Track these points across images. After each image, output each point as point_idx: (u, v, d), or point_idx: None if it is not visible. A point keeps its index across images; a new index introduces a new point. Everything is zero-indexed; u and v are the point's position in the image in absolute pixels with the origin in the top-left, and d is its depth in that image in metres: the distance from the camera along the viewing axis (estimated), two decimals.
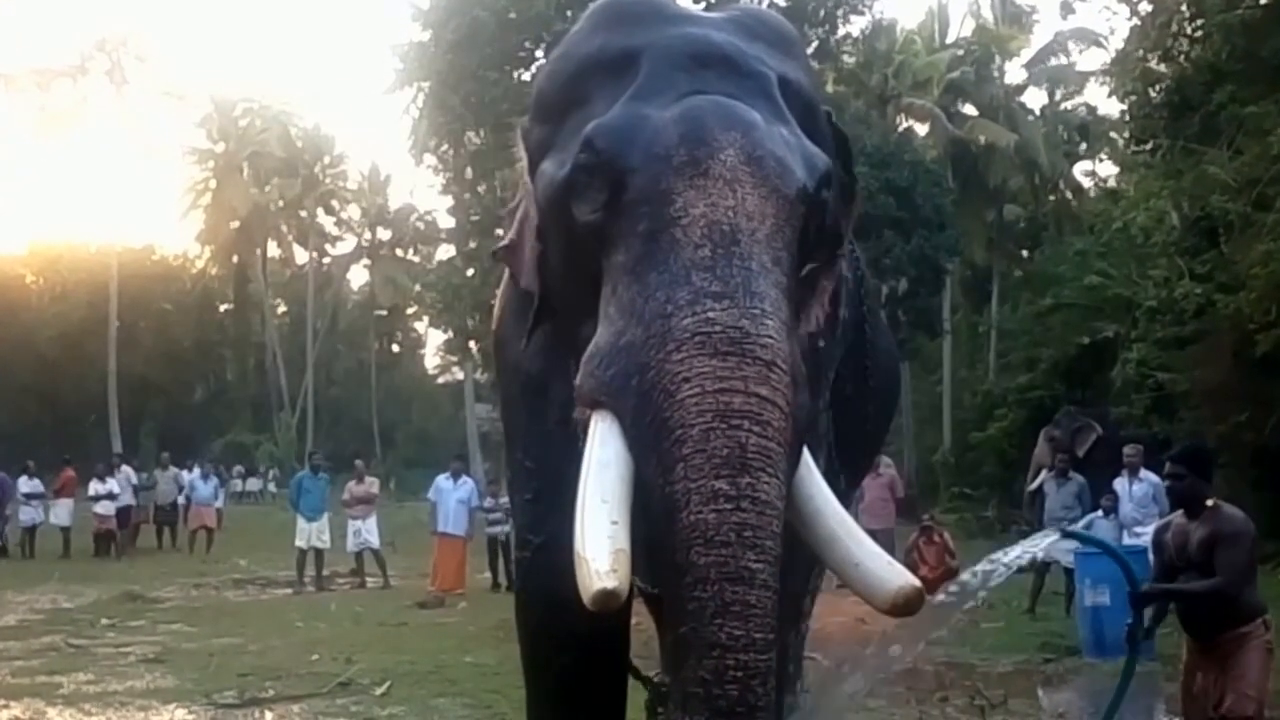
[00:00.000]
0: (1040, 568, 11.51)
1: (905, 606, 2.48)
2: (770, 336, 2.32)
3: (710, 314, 2.30)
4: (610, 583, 2.20)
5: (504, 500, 14.41)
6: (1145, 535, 10.39)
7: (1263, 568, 5.13)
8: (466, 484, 14.91)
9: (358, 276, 56.40)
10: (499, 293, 3.61)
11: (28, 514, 19.74)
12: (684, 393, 2.27)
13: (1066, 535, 4.02)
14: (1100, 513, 10.82)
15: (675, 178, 2.43)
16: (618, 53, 2.68)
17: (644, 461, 2.33)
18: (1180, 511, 4.97)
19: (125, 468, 20.64)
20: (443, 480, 14.67)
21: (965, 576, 3.92)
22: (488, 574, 14.55)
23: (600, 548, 2.26)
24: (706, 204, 2.40)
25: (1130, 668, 4.69)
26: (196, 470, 22.89)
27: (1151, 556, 5.22)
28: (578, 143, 2.57)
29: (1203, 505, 4.81)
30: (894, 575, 2.49)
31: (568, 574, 3.20)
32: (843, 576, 2.58)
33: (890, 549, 5.42)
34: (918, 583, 2.50)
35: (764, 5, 19.44)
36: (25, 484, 19.89)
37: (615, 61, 2.67)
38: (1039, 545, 3.94)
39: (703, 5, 12.31)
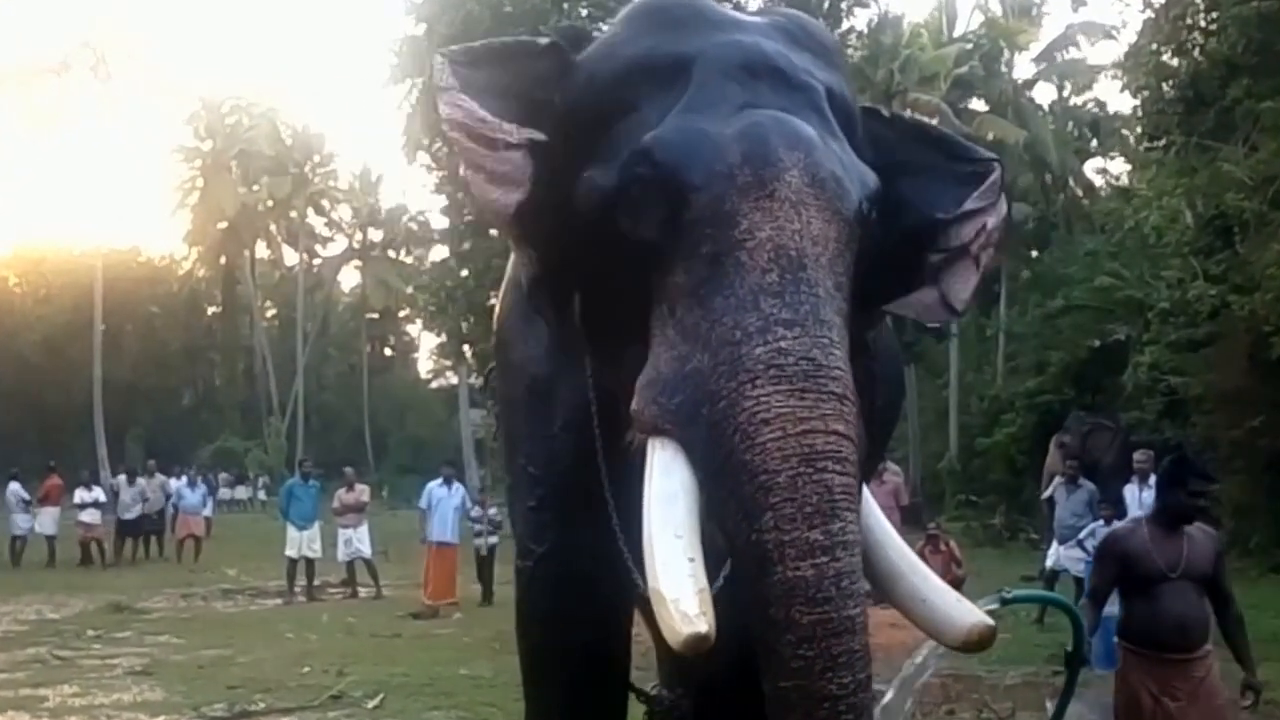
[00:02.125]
0: (1049, 577, 11.54)
1: (979, 644, 2.52)
2: (839, 368, 2.33)
3: (783, 343, 2.30)
4: (702, 626, 2.21)
5: (491, 511, 14.30)
6: None
7: None
8: (459, 490, 14.88)
9: (349, 278, 56.61)
10: (501, 291, 3.58)
11: (23, 522, 19.74)
12: (765, 435, 2.26)
13: (1006, 602, 4.02)
14: (1102, 522, 10.80)
15: (740, 198, 2.41)
16: (666, 59, 2.64)
17: (721, 502, 2.33)
18: (1141, 520, 4.89)
19: (140, 480, 20.56)
20: (437, 487, 14.58)
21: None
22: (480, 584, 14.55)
23: (685, 588, 2.26)
24: (773, 227, 2.38)
25: (1070, 690, 4.62)
26: (184, 477, 22.89)
27: (1095, 566, 5.04)
28: (627, 153, 2.54)
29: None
30: (965, 613, 2.52)
31: (571, 584, 3.20)
32: (908, 613, 2.59)
33: None
34: (991, 621, 2.52)
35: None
36: (17, 491, 19.89)
37: (664, 68, 2.63)
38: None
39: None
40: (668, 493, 2.37)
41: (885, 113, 3.10)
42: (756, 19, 2.85)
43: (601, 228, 2.59)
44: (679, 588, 2.26)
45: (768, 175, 2.42)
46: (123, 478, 20.91)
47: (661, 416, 2.41)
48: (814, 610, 2.21)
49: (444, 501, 14.36)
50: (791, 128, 2.50)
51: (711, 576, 2.35)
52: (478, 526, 14.41)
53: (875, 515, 2.59)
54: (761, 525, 2.24)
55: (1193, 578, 4.64)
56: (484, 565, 14.30)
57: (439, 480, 14.69)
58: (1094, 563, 5.01)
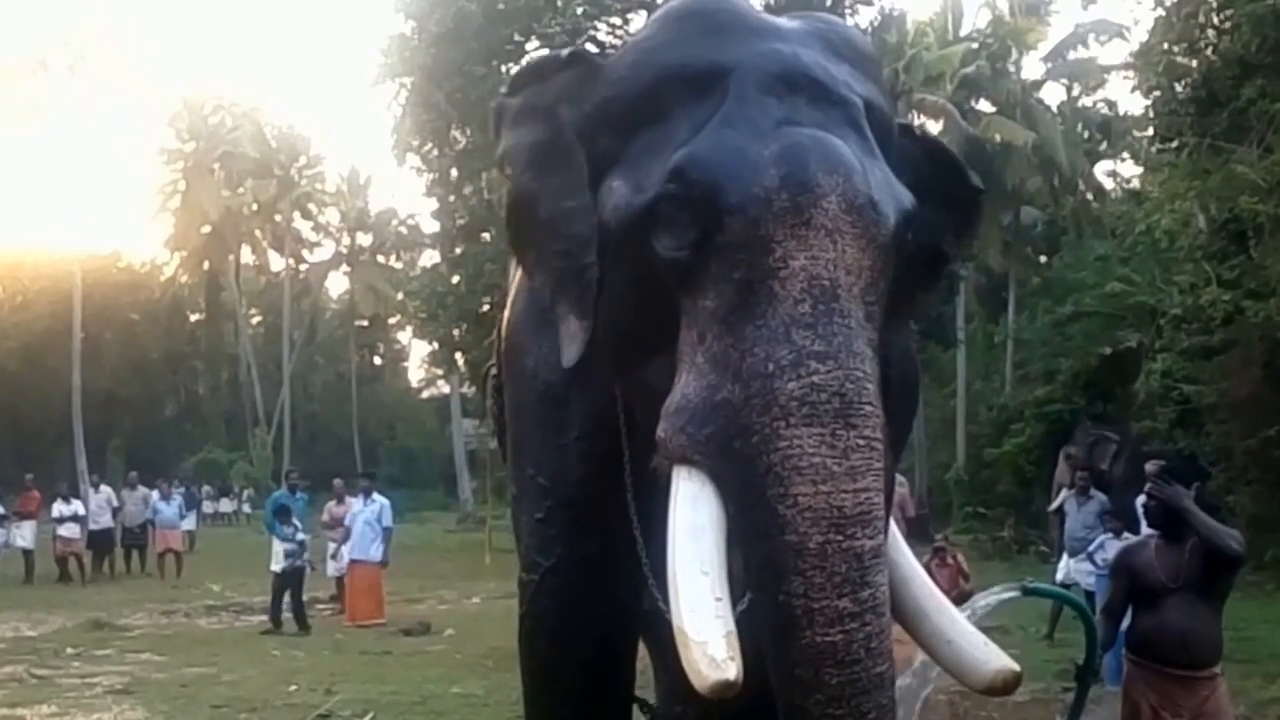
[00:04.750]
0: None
1: (1003, 690, 2.60)
2: (870, 403, 2.37)
3: (815, 378, 2.33)
4: (730, 673, 2.25)
5: (290, 529, 13.77)
6: None
7: None
8: (376, 503, 14.31)
9: (337, 284, 56.52)
10: (512, 294, 3.57)
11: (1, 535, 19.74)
12: (796, 486, 2.30)
13: (1028, 592, 4.04)
14: (1110, 534, 10.79)
15: (776, 224, 2.42)
16: (702, 68, 2.65)
17: (749, 541, 2.38)
18: (1156, 534, 4.92)
19: (105, 488, 20.57)
20: (352, 501, 14.34)
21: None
22: (476, 599, 14.48)
23: (712, 630, 2.29)
24: (807, 256, 2.41)
25: (1080, 704, 4.64)
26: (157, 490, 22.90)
27: (1110, 581, 5.12)
28: (660, 167, 2.55)
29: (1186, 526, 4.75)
30: (991, 656, 2.60)
31: (578, 598, 3.24)
32: (932, 652, 2.65)
33: None
34: (1016, 667, 2.57)
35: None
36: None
37: (699, 77, 2.64)
38: (989, 602, 3.87)
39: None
40: (695, 526, 2.40)
41: (916, 129, 3.13)
42: (795, 25, 2.85)
43: (630, 244, 2.61)
44: (706, 630, 2.29)
45: (805, 201, 2.43)
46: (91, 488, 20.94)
47: (690, 446, 2.45)
48: (843, 672, 2.27)
49: (357, 517, 14.15)
50: (831, 150, 2.51)
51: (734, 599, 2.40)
52: (288, 547, 13.85)
53: (902, 551, 2.63)
54: (790, 590, 2.29)
55: (1195, 589, 4.65)
56: (279, 589, 13.70)
57: (355, 495, 14.38)
58: (1109, 577, 5.05)
